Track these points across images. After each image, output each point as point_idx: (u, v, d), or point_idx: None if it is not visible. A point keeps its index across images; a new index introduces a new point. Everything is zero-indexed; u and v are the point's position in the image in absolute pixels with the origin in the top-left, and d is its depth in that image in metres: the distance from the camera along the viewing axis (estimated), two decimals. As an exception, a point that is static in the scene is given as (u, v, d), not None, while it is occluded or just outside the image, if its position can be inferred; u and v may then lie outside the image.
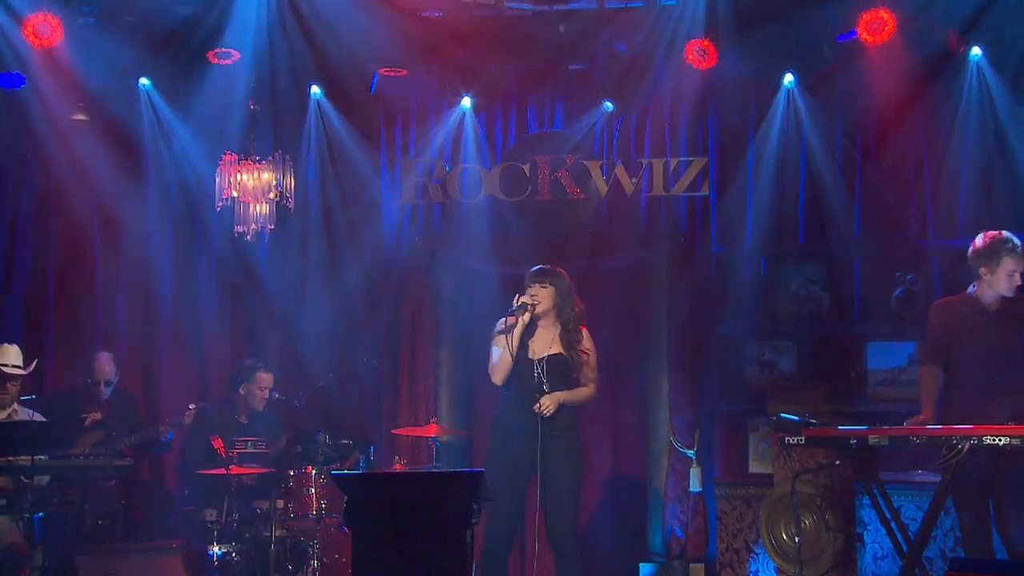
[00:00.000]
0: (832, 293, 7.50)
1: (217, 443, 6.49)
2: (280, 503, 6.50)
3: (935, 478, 5.80)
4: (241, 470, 6.57)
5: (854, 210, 7.44)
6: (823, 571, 6.29)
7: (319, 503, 6.50)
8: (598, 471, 7.53)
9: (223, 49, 7.12)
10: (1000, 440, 5.11)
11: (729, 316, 7.48)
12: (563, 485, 5.58)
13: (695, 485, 7.36)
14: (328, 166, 7.82)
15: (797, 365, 7.47)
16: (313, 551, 6.47)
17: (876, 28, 6.86)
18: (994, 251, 5.63)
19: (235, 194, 6.68)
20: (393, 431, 7.28)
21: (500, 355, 5.65)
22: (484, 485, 4.81)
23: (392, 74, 7.45)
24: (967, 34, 7.01)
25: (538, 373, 5.63)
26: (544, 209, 7.73)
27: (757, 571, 6.87)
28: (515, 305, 5.63)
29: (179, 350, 7.89)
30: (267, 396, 7.14)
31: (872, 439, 5.43)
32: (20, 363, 6.49)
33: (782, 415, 5.75)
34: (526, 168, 7.71)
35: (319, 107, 7.77)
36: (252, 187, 6.68)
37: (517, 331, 5.61)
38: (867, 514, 6.42)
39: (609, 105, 7.59)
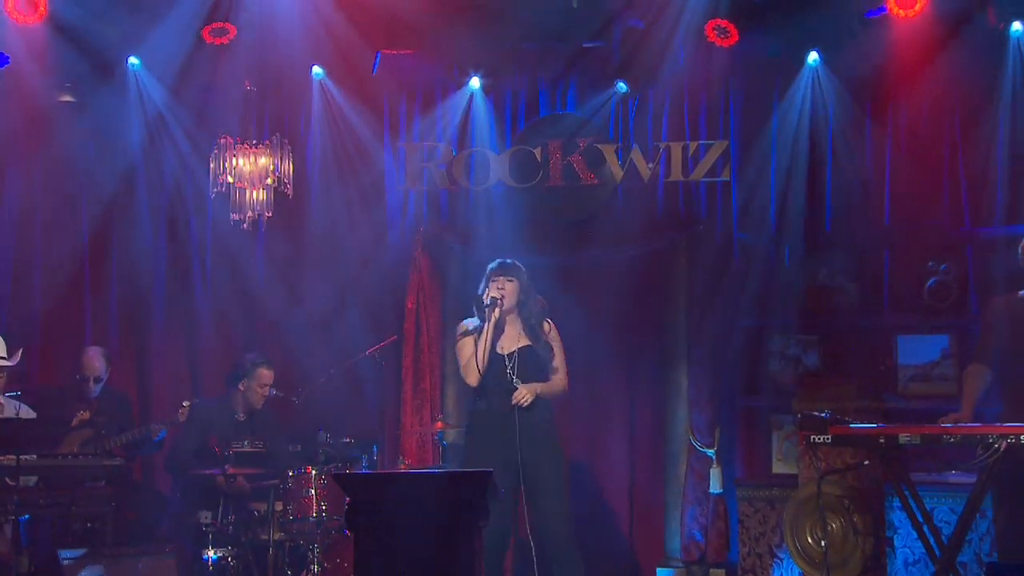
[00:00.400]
0: (860, 284, 7.41)
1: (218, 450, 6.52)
2: (279, 505, 6.45)
3: (970, 479, 5.67)
4: (238, 470, 6.50)
5: (884, 196, 7.32)
6: (851, 577, 6.28)
7: (319, 505, 6.44)
8: (613, 471, 7.55)
9: (218, 24, 7.02)
10: (1040, 439, 5.03)
11: (751, 308, 7.40)
12: (551, 484, 5.74)
13: (715, 486, 7.30)
14: (328, 151, 7.72)
15: (823, 359, 7.38)
16: (313, 555, 6.41)
17: (907, 1, 6.73)
18: None
19: (231, 180, 6.68)
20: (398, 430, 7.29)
21: (472, 354, 5.80)
22: (493, 485, 4.79)
23: (395, 53, 7.34)
24: (1007, 7, 6.86)
25: (510, 368, 5.79)
26: (556, 195, 7.62)
27: (781, 577, 6.88)
28: (485, 302, 5.79)
29: (171, 345, 7.81)
30: (267, 394, 7.06)
31: (903, 438, 5.31)
32: (4, 353, 6.40)
33: (807, 412, 5.66)
34: (537, 152, 7.60)
35: (322, 88, 7.64)
36: (249, 172, 6.72)
37: (490, 327, 5.77)
38: (897, 517, 6.30)
39: (623, 86, 7.48)
